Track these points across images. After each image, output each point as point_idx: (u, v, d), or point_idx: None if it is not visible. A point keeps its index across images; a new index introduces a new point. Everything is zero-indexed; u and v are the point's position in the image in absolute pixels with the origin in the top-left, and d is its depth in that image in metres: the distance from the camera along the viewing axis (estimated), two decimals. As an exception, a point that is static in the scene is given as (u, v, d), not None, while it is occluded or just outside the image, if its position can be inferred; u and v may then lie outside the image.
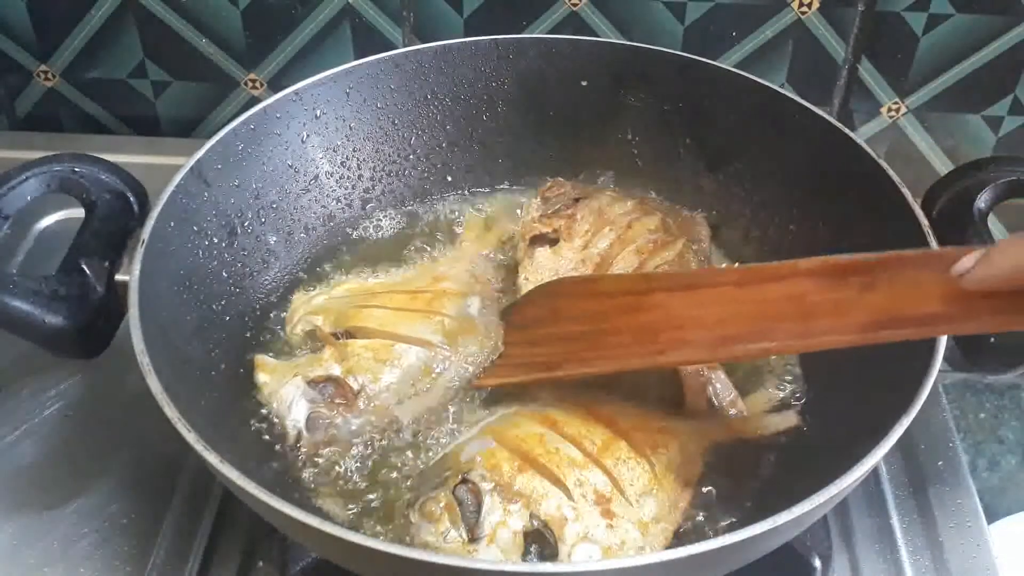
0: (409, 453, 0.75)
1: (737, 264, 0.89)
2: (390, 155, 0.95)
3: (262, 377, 0.77)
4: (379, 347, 0.78)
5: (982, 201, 0.77)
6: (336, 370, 0.76)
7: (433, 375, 0.79)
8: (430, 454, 0.74)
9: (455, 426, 0.77)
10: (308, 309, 0.83)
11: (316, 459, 0.74)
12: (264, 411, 0.77)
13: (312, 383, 0.76)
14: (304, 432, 0.74)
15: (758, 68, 1.10)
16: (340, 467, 0.74)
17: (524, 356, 0.76)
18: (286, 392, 0.75)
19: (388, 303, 0.82)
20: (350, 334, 0.80)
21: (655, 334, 0.65)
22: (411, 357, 0.79)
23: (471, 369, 0.80)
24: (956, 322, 0.52)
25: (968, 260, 0.48)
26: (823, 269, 0.57)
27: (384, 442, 0.75)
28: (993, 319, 0.49)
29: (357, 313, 0.81)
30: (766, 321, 0.59)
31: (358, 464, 0.74)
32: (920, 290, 0.52)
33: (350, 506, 0.71)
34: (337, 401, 0.76)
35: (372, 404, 0.76)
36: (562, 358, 0.72)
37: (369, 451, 0.75)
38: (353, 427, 0.75)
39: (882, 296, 0.54)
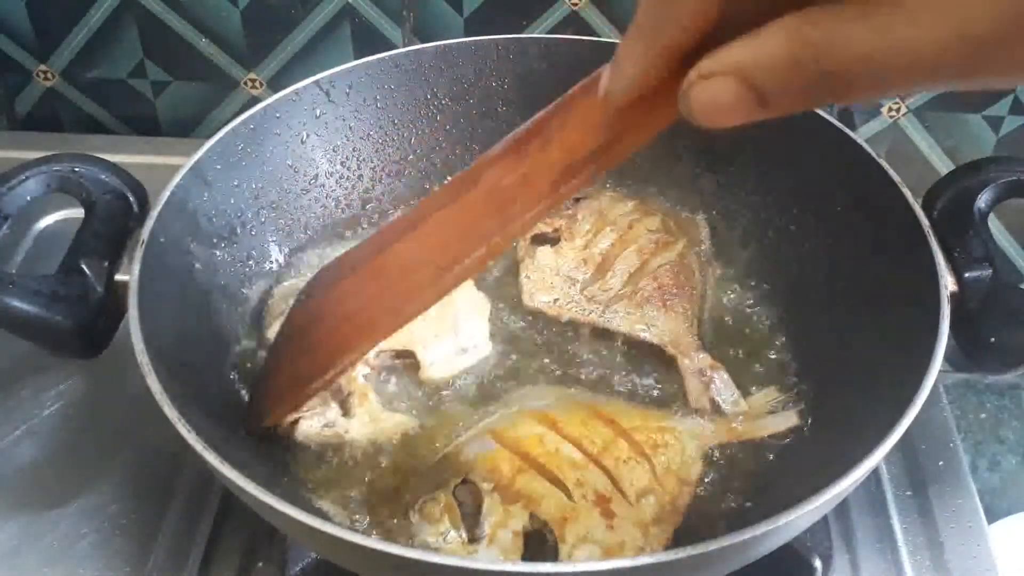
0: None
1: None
2: (390, 155, 0.95)
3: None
4: None
5: (982, 201, 0.77)
6: None
7: None
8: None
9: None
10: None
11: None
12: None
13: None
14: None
15: (758, 68, 1.10)
16: (342, 461, 0.74)
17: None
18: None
19: None
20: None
21: (396, 288, 0.62)
22: None
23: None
24: (623, 142, 0.50)
25: (605, 76, 0.46)
26: (508, 147, 0.55)
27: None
28: (648, 124, 0.48)
29: None
30: (473, 228, 0.57)
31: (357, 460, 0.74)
32: (586, 126, 0.50)
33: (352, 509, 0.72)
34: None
35: None
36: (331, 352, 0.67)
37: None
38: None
39: (557, 148, 0.52)
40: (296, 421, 0.74)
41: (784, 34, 0.36)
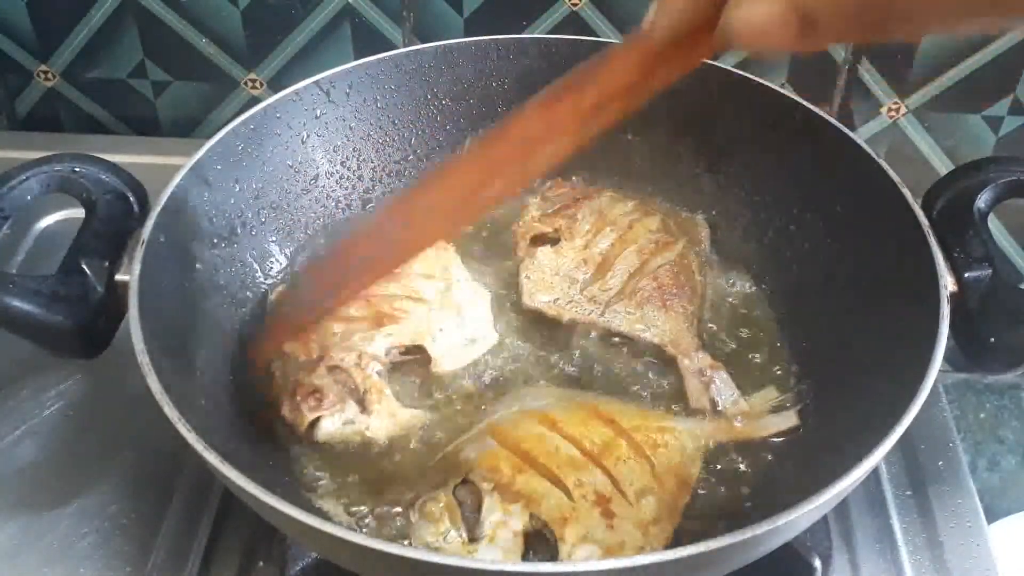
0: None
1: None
2: (390, 155, 0.95)
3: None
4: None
5: (982, 201, 0.77)
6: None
7: None
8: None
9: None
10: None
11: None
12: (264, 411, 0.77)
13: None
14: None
15: (758, 68, 1.10)
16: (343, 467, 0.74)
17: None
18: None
19: None
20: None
21: (413, 224, 0.65)
22: None
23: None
24: (653, 79, 0.52)
25: (650, 12, 0.48)
26: (540, 101, 0.57)
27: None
28: (681, 61, 0.50)
29: None
30: (496, 168, 0.60)
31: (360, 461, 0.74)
32: (620, 68, 0.52)
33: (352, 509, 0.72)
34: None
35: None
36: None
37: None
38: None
39: (589, 93, 0.54)
40: (316, 421, 0.74)
41: None
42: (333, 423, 0.74)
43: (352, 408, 0.75)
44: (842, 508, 0.82)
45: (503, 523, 0.65)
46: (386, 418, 0.75)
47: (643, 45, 0.49)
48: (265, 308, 0.84)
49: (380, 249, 0.66)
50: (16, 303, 0.68)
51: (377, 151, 0.95)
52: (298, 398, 0.74)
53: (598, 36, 1.10)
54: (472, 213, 0.62)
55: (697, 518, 0.70)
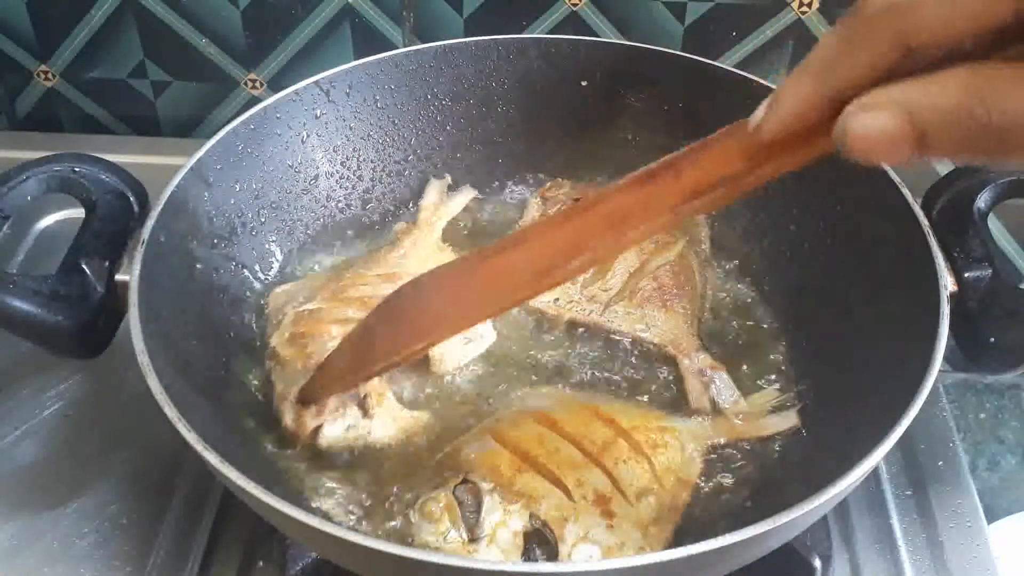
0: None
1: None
2: (390, 155, 0.95)
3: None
4: None
5: (982, 201, 0.77)
6: None
7: None
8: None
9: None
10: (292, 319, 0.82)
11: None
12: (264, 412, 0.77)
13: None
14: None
15: (758, 68, 1.10)
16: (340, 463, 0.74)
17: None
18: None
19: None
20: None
21: (488, 287, 0.63)
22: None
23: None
24: (756, 173, 0.51)
25: (759, 111, 0.47)
26: (632, 179, 0.56)
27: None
28: (785, 160, 0.49)
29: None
30: (581, 241, 0.58)
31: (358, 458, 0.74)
32: (723, 156, 0.52)
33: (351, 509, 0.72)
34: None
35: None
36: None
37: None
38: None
39: (688, 176, 0.53)
40: (318, 428, 0.74)
41: (959, 81, 0.37)
42: (335, 430, 0.74)
43: (353, 413, 0.75)
44: (842, 508, 0.82)
45: (503, 523, 0.65)
46: (388, 421, 0.75)
47: (750, 137, 0.48)
48: (264, 308, 0.84)
49: (453, 307, 0.64)
50: (16, 303, 0.68)
51: (377, 151, 0.95)
52: (299, 406, 0.74)
53: (598, 36, 1.10)
54: (552, 282, 0.59)
55: (697, 518, 0.70)
